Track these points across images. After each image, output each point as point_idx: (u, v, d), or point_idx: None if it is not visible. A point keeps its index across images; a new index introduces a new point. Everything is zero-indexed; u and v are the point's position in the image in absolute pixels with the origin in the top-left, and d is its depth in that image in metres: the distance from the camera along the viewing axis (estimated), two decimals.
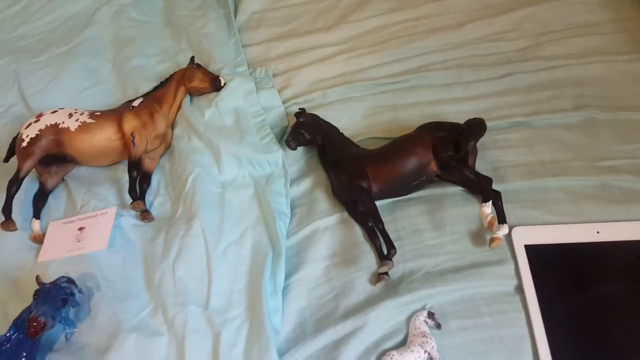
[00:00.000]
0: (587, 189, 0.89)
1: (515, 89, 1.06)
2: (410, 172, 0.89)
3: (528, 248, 0.82)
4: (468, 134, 0.87)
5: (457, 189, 0.91)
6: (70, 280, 0.81)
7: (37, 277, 0.81)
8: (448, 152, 0.87)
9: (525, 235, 0.83)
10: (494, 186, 0.86)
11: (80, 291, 0.82)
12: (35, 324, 0.72)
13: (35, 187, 1.01)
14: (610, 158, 0.93)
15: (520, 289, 0.79)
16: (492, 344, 0.74)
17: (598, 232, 0.83)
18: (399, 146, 0.91)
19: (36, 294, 0.77)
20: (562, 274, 0.80)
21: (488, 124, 0.91)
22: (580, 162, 0.93)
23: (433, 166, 0.89)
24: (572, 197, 0.88)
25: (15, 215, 0.95)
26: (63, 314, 0.78)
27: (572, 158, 0.93)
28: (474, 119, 0.92)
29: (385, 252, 0.84)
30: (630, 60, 1.08)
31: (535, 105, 1.02)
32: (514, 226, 0.84)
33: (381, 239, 0.85)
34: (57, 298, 0.76)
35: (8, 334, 0.75)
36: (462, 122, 0.93)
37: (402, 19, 1.24)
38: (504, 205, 0.83)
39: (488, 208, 0.83)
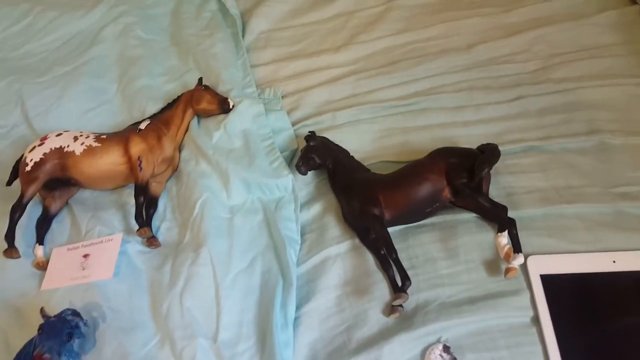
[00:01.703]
0: (602, 216, 0.87)
1: (527, 112, 1.04)
2: (423, 198, 0.87)
3: (544, 278, 0.80)
4: (482, 161, 0.85)
5: (470, 216, 0.89)
6: (75, 313, 0.79)
7: (42, 310, 0.78)
8: (462, 179, 0.85)
9: (541, 265, 0.81)
10: (508, 213, 0.84)
11: (85, 324, 0.79)
12: None
13: (38, 211, 0.98)
14: (625, 184, 0.91)
15: (536, 320, 0.77)
16: None
17: (614, 262, 0.81)
18: (412, 172, 0.89)
19: (40, 328, 0.74)
20: (578, 304, 0.78)
21: (500, 149, 0.89)
22: (595, 188, 0.91)
23: (447, 193, 0.87)
24: (587, 225, 0.86)
25: (17, 240, 0.92)
26: (68, 347, 0.75)
27: (586, 184, 0.92)
28: (488, 144, 0.91)
29: (399, 282, 0.82)
30: None
31: (548, 129, 1.01)
32: (529, 254, 0.82)
33: (394, 268, 0.83)
34: (63, 332, 0.74)
35: None
36: (473, 146, 0.92)
37: (411, 40, 1.23)
38: (519, 233, 0.82)
39: (504, 238, 0.81)
